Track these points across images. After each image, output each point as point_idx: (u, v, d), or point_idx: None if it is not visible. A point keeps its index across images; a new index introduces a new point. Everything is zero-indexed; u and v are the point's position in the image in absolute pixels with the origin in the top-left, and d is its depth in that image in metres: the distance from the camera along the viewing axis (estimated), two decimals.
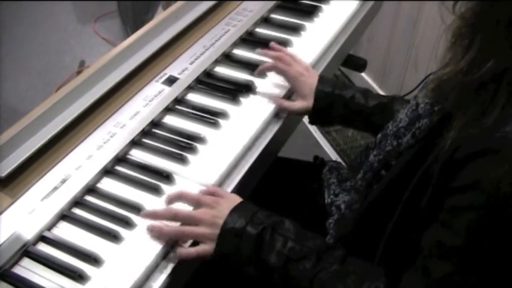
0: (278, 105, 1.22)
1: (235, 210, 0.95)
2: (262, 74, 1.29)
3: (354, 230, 1.01)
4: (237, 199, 0.99)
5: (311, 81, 1.22)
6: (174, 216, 0.96)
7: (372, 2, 1.63)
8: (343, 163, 1.43)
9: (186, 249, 0.95)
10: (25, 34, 3.05)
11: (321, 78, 1.23)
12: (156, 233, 0.95)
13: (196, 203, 0.98)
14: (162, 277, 0.91)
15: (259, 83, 1.28)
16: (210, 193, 1.01)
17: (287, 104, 1.23)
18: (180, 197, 1.00)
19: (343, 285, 0.86)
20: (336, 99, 1.21)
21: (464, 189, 0.75)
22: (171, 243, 0.95)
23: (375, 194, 0.97)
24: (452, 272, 0.77)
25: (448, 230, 0.78)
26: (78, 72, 2.76)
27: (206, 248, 0.94)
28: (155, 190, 1.02)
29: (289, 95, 1.28)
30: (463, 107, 0.79)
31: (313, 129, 2.54)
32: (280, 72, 1.26)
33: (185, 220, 0.96)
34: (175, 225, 0.96)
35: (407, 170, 0.90)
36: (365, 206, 0.99)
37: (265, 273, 0.91)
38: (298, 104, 1.23)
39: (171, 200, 1.00)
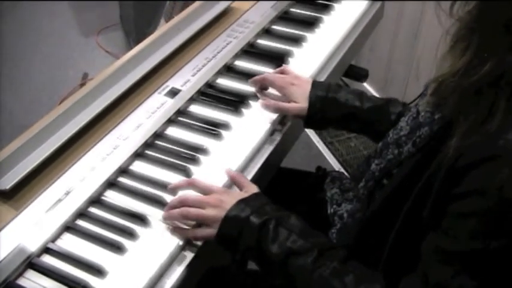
0: (275, 108, 1.22)
1: (244, 200, 0.97)
2: (254, 84, 1.29)
3: (356, 238, 1.01)
4: (253, 191, 1.01)
5: (302, 89, 1.21)
6: (182, 201, 0.99)
7: (373, 13, 1.64)
8: (345, 173, 1.44)
9: (192, 230, 0.97)
10: (28, 48, 3.09)
11: (314, 83, 1.22)
12: (165, 218, 0.99)
13: (206, 190, 1.01)
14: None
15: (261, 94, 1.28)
16: (234, 178, 1.06)
17: (282, 105, 1.22)
18: (190, 185, 1.03)
19: (341, 283, 0.87)
20: (330, 102, 1.19)
21: (467, 195, 0.76)
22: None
23: (377, 203, 0.97)
24: (453, 277, 0.77)
25: (451, 236, 0.78)
26: (82, 85, 2.79)
27: (210, 230, 0.96)
28: (158, 202, 1.03)
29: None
30: (463, 112, 0.79)
31: (316, 140, 2.55)
32: (270, 83, 1.26)
33: (193, 203, 0.99)
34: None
35: (408, 179, 0.90)
36: (367, 215, 0.99)
37: (266, 263, 0.93)
38: (294, 105, 1.21)
39: (181, 186, 1.04)
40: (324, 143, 2.54)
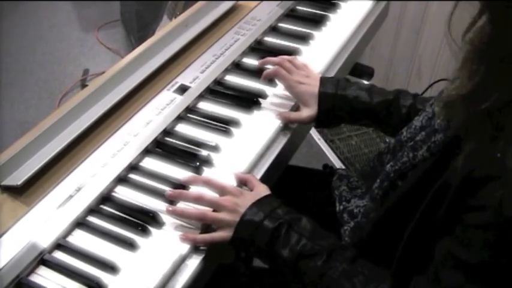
0: (285, 119, 1.22)
1: (257, 203, 0.98)
2: (266, 80, 1.29)
3: (369, 237, 1.01)
4: (264, 192, 1.02)
5: (312, 88, 1.21)
6: (198, 198, 1.00)
7: (379, 11, 1.64)
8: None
9: (209, 234, 0.98)
10: (29, 44, 3.08)
11: (322, 80, 1.22)
12: (178, 214, 0.99)
13: (221, 190, 1.02)
14: (178, 285, 0.92)
15: (270, 91, 1.29)
16: (245, 180, 1.06)
17: (294, 115, 1.22)
18: (206, 183, 1.03)
19: (350, 284, 0.88)
20: (339, 100, 1.20)
21: (482, 208, 0.75)
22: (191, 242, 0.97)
23: (391, 201, 0.98)
24: (464, 284, 0.77)
25: (463, 245, 0.78)
26: (82, 81, 2.78)
27: (223, 234, 0.97)
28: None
29: (298, 105, 1.27)
30: (470, 132, 0.80)
31: (317, 138, 2.55)
32: (280, 79, 1.26)
33: (209, 204, 1.00)
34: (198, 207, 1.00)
35: (423, 182, 0.90)
36: (381, 212, 0.99)
37: (277, 265, 0.95)
38: (304, 113, 1.21)
39: (196, 182, 1.04)
40: (325, 141, 2.54)
